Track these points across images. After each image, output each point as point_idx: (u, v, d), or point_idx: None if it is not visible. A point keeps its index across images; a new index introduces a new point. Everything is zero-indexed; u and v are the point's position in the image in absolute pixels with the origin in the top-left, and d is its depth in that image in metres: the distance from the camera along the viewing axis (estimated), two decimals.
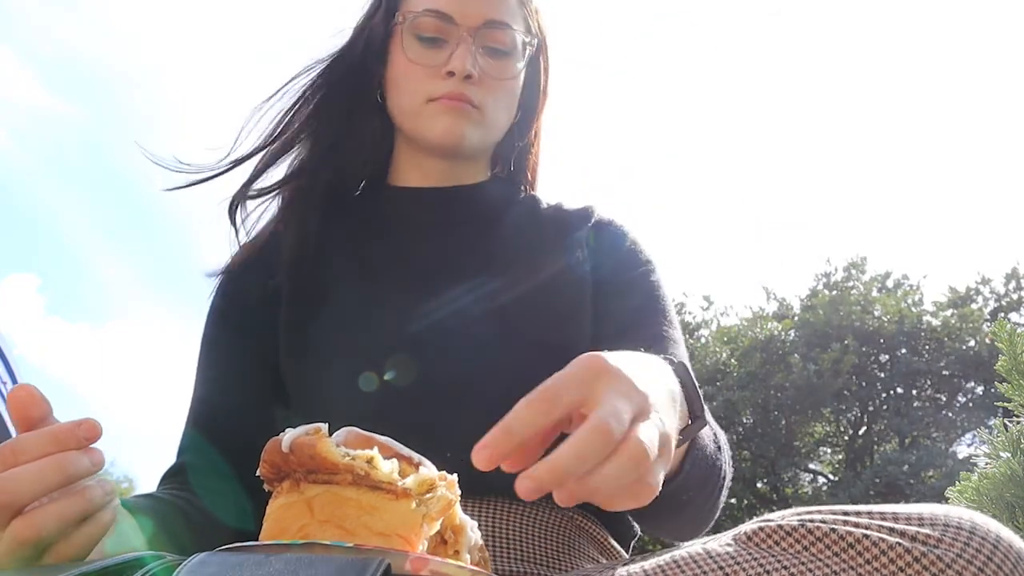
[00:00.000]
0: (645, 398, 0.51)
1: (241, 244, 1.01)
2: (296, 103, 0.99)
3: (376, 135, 1.02)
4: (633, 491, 0.48)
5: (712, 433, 0.77)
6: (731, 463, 0.83)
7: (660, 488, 0.50)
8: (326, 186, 1.00)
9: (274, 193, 1.01)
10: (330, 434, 0.55)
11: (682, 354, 0.91)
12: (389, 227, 1.00)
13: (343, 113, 1.00)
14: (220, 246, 1.03)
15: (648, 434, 0.48)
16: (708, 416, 0.72)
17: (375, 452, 0.54)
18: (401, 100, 0.97)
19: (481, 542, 0.59)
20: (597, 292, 0.94)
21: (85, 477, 0.55)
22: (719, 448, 0.78)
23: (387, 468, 0.54)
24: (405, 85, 0.96)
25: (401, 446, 0.58)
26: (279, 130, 0.99)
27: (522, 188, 1.08)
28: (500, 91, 0.97)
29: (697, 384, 0.67)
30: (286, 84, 1.00)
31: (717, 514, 0.83)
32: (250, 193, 1.00)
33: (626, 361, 0.54)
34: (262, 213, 1.02)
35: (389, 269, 0.96)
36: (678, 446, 0.61)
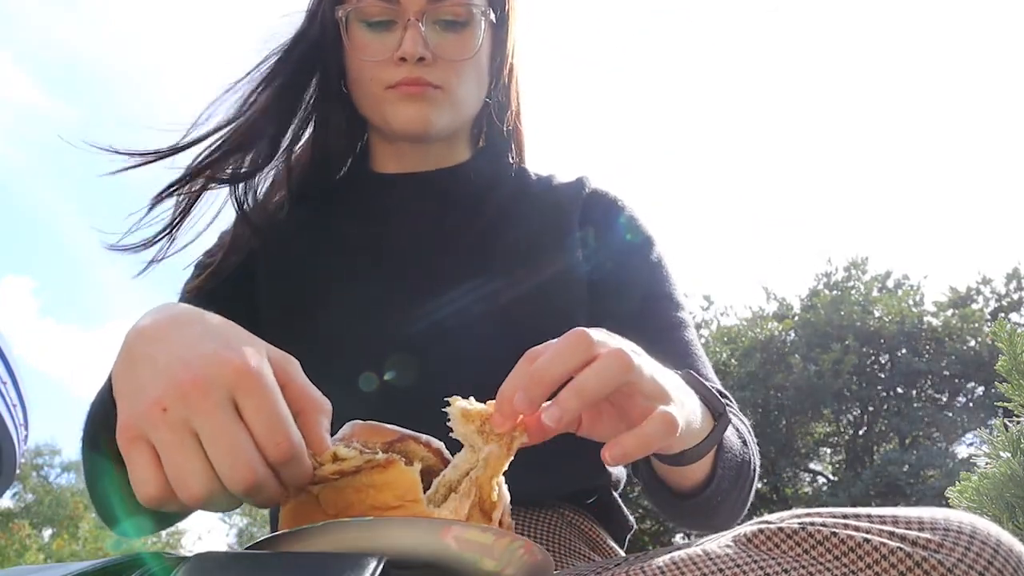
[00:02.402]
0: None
1: (206, 253, 0.96)
2: (257, 88, 0.93)
3: (344, 124, 0.98)
4: (661, 423, 0.52)
5: (736, 429, 0.77)
6: (757, 450, 0.82)
7: (679, 423, 0.53)
8: (301, 178, 0.97)
9: (240, 181, 0.94)
10: (333, 432, 0.56)
11: (692, 338, 0.90)
12: (373, 216, 0.97)
13: (304, 103, 0.96)
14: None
15: (637, 360, 0.53)
16: (731, 409, 0.72)
17: (333, 447, 0.54)
18: (360, 90, 0.93)
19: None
20: (600, 288, 0.91)
21: None
22: (745, 443, 0.78)
23: (351, 453, 0.54)
24: (361, 75, 0.92)
25: (410, 431, 0.59)
26: (241, 113, 0.92)
27: (510, 159, 1.03)
28: (462, 66, 0.91)
29: (710, 386, 0.66)
30: (253, 69, 0.94)
31: (750, 502, 0.81)
32: (218, 177, 0.92)
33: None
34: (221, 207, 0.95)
35: (377, 261, 0.93)
36: (706, 451, 0.63)
